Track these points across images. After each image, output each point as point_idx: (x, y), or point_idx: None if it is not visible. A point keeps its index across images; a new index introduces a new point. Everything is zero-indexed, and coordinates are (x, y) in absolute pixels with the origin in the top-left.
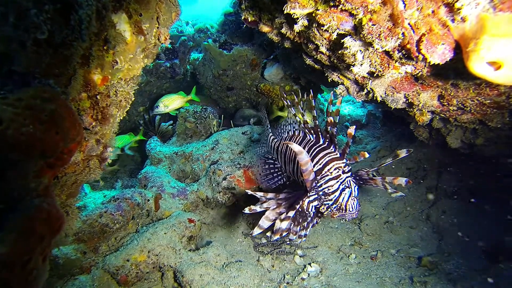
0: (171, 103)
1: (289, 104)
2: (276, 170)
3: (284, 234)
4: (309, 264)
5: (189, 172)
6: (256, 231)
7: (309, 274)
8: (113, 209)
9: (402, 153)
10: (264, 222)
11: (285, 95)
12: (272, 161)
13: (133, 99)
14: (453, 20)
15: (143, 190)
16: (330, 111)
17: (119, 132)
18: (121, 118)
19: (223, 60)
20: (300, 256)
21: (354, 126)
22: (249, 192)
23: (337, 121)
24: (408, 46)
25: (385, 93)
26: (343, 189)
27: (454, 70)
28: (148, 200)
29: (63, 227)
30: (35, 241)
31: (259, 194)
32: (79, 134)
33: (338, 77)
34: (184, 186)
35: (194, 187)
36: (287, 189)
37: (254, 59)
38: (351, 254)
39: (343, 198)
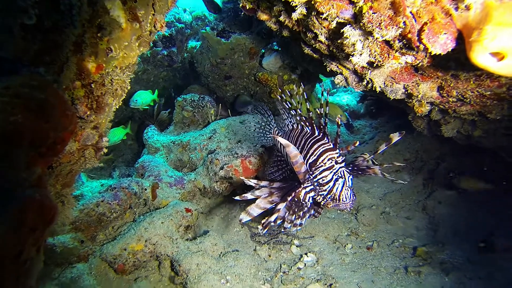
0: (145, 99)
1: (285, 98)
2: (282, 163)
3: (278, 222)
4: (306, 254)
5: (186, 161)
6: (245, 218)
7: (305, 263)
8: (110, 198)
9: (395, 136)
10: (254, 210)
11: (280, 90)
12: (280, 154)
13: (129, 87)
14: (456, 8)
15: (140, 179)
16: (321, 102)
17: (117, 121)
18: (117, 107)
19: (221, 49)
20: (296, 246)
21: (339, 115)
22: (242, 178)
23: (327, 111)
24: (409, 35)
25: (384, 83)
26: (336, 179)
27: (455, 60)
28: (145, 189)
29: (56, 217)
30: (26, 232)
31: (253, 181)
32: (71, 123)
33: (337, 66)
34: (182, 175)
35: (192, 176)
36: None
37: (252, 47)
38: (347, 244)
39: (337, 188)
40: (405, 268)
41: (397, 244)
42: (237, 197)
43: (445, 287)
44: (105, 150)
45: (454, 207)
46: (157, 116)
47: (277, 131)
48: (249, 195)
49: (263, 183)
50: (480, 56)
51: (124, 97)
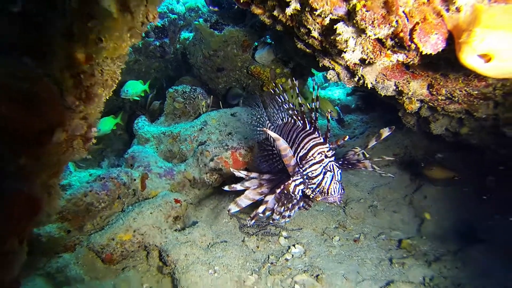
0: (135, 89)
1: (278, 92)
2: (274, 156)
3: (267, 213)
4: (294, 245)
5: (176, 153)
6: (234, 208)
7: (293, 255)
8: (99, 188)
9: (385, 131)
10: (243, 201)
11: (274, 84)
12: (270, 147)
13: (120, 78)
14: (447, 10)
15: (129, 170)
16: (313, 97)
17: (106, 111)
18: (107, 98)
19: (214, 41)
20: (284, 238)
21: (330, 111)
22: (232, 170)
23: (317, 106)
24: (401, 34)
25: (376, 80)
26: (325, 173)
27: (445, 60)
28: (135, 180)
29: (42, 209)
30: (12, 224)
31: (243, 173)
32: (59, 114)
33: (330, 62)
34: (171, 166)
35: (181, 167)
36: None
37: (245, 40)
38: (335, 236)
39: (326, 181)
40: (390, 259)
41: (383, 236)
42: (226, 187)
43: (426, 277)
44: (94, 141)
45: (438, 201)
46: (149, 106)
47: (269, 125)
48: (238, 186)
49: (253, 174)
50: (468, 57)
51: (115, 87)
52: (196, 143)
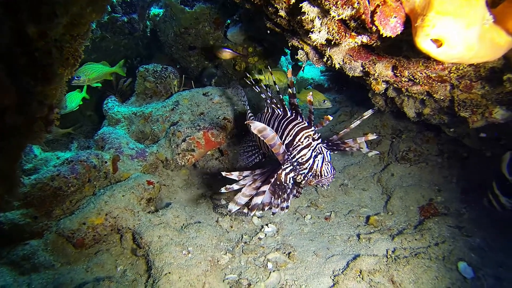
0: (93, 73)
1: (253, 83)
2: (253, 147)
3: (266, 208)
4: (267, 224)
5: (148, 133)
6: (234, 207)
7: (266, 234)
8: (67, 172)
9: (368, 113)
10: (241, 199)
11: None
12: (249, 138)
13: (82, 56)
14: None
15: (100, 152)
16: (288, 82)
17: (72, 89)
18: (70, 77)
19: (185, 18)
20: (258, 217)
21: (310, 93)
22: (224, 174)
23: (294, 92)
24: (363, 16)
25: (343, 61)
26: (315, 156)
27: (406, 43)
28: (106, 162)
29: None
30: None
31: (235, 174)
32: (8, 94)
33: (298, 42)
34: (143, 147)
35: (154, 148)
36: (263, 166)
37: (217, 17)
38: (307, 215)
39: (317, 164)
40: (357, 235)
41: (353, 214)
42: (223, 189)
43: (389, 250)
44: (57, 123)
45: (403, 178)
46: (117, 86)
47: (250, 114)
48: (235, 186)
49: (245, 173)
50: (423, 42)
51: (77, 66)
52: (168, 124)
